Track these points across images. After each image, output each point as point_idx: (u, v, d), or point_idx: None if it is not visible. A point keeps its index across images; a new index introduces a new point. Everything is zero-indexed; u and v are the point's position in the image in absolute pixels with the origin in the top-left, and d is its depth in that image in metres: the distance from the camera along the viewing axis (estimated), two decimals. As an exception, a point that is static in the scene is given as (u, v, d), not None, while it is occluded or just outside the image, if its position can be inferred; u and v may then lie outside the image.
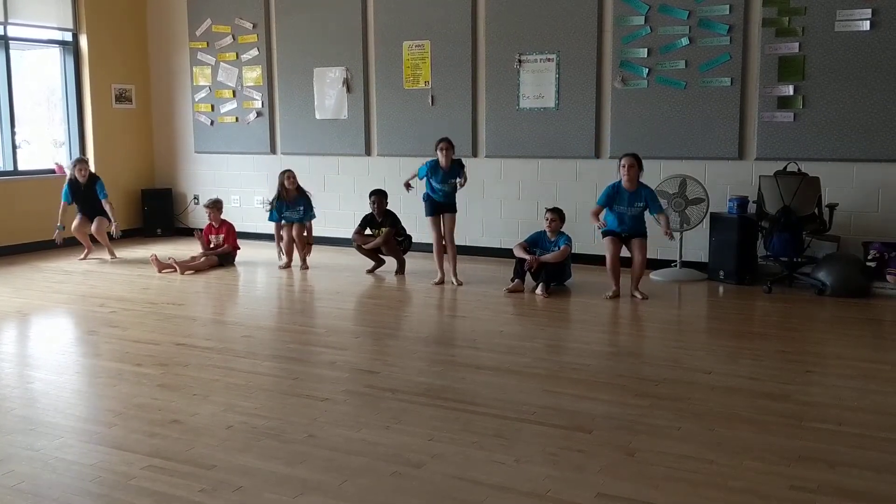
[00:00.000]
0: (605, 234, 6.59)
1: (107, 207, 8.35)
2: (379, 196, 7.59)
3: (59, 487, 3.15)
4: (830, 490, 3.07)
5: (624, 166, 6.46)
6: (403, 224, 7.73)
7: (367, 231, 7.65)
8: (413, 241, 7.85)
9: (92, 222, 8.37)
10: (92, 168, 8.71)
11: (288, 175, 7.89)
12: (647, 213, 6.58)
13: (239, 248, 8.18)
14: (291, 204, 7.89)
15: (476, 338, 5.40)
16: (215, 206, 8.12)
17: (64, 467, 3.33)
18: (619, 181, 6.51)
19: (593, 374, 4.56)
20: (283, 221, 7.92)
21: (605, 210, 6.60)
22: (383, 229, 7.51)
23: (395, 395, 4.18)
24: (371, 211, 7.62)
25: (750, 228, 6.90)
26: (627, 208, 6.50)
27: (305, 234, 7.96)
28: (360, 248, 7.68)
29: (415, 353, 5.03)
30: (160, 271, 7.67)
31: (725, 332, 5.62)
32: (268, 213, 8.04)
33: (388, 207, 7.66)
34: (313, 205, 8.00)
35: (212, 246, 8.06)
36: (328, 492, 3.08)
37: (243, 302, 6.88)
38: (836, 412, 3.91)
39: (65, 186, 8.41)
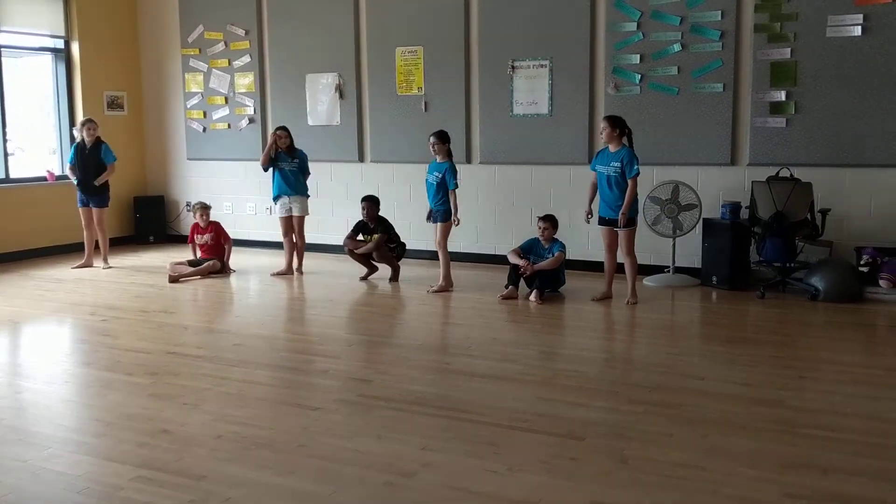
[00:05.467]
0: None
1: (107, 171, 8.20)
2: (370, 202, 7.57)
3: (47, 499, 3.12)
4: (824, 497, 3.06)
5: (601, 129, 6.49)
6: (397, 231, 7.71)
7: (360, 237, 7.63)
8: (407, 248, 7.83)
9: (88, 204, 8.25)
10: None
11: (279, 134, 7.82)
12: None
13: (230, 240, 8.13)
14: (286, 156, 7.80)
15: (470, 345, 5.38)
16: (203, 207, 8.10)
17: (52, 478, 3.30)
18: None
19: (587, 381, 4.54)
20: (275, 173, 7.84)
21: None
22: (375, 235, 7.49)
23: (388, 404, 4.15)
24: (362, 217, 7.61)
25: (743, 234, 6.90)
26: (606, 167, 6.43)
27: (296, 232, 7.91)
28: (351, 254, 7.66)
29: (408, 360, 5.00)
30: (176, 281, 7.61)
31: (718, 337, 5.62)
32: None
33: (380, 214, 7.63)
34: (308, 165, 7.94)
35: (199, 245, 8.04)
36: (319, 502, 3.06)
37: (235, 310, 6.85)
38: (829, 418, 3.90)
39: (72, 149, 8.35)
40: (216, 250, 8.02)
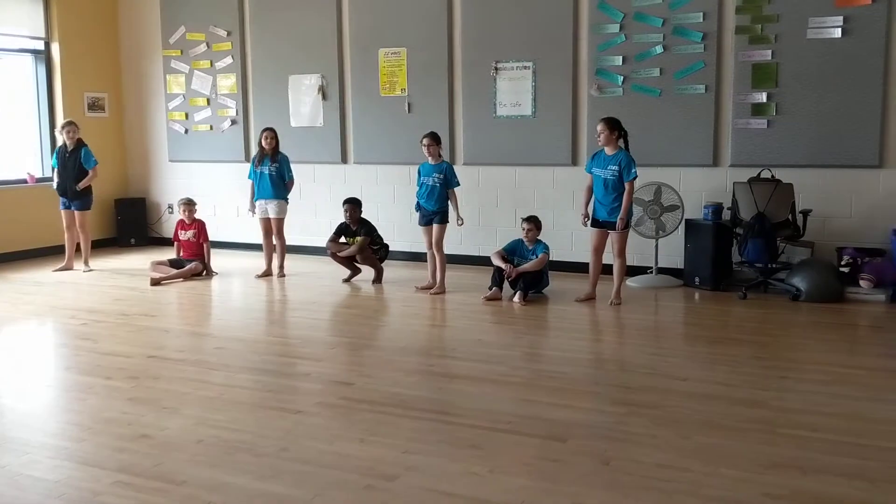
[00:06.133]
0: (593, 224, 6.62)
1: (89, 175, 8.16)
2: (352, 204, 7.54)
3: (24, 505, 3.09)
4: (804, 497, 3.07)
5: (597, 132, 6.48)
6: (380, 232, 7.69)
7: (342, 239, 7.60)
8: (390, 249, 7.82)
9: (70, 207, 8.21)
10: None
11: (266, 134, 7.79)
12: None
13: (208, 240, 8.06)
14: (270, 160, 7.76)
15: (453, 347, 5.38)
16: (189, 203, 8.05)
17: (30, 484, 3.27)
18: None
19: (570, 382, 4.54)
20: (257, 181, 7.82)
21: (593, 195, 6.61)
22: (358, 238, 7.46)
23: (371, 407, 4.14)
24: (345, 220, 7.57)
25: (725, 235, 6.94)
26: (603, 170, 6.46)
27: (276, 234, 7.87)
28: (334, 257, 7.63)
29: (391, 363, 4.98)
30: (158, 284, 7.55)
31: (701, 338, 5.63)
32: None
33: (363, 216, 7.61)
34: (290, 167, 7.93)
35: (182, 242, 8.00)
36: (300, 506, 3.04)
37: (217, 313, 6.81)
38: (810, 418, 3.92)
39: (54, 152, 8.32)
40: (198, 250, 7.98)
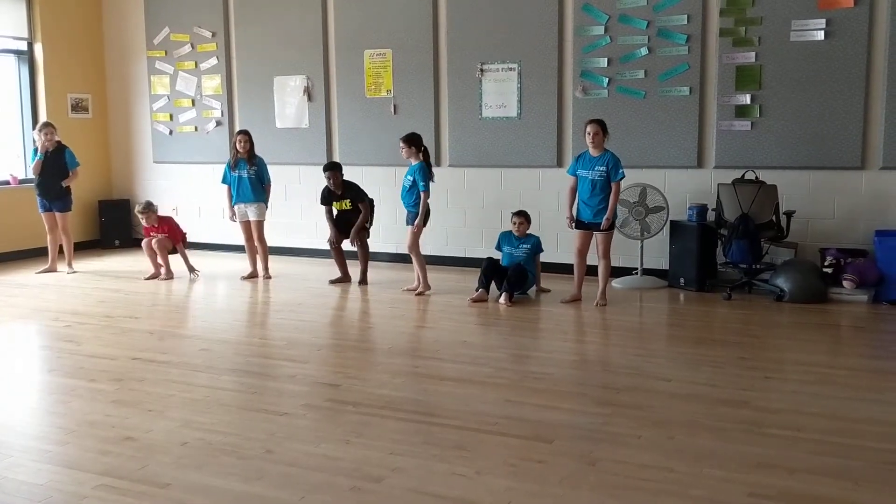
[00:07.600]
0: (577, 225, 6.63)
1: (70, 176, 8.12)
2: (333, 171, 7.48)
3: (7, 509, 3.06)
4: (789, 497, 3.09)
5: (589, 133, 6.44)
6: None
7: (334, 209, 7.57)
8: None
9: (52, 209, 8.13)
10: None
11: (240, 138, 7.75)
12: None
13: (185, 233, 8.06)
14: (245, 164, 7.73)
15: (439, 348, 5.38)
16: (148, 209, 7.93)
17: (13, 487, 3.24)
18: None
19: (555, 383, 4.55)
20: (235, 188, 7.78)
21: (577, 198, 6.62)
22: (347, 202, 7.46)
23: (356, 409, 4.13)
24: (327, 185, 7.54)
25: (709, 236, 6.97)
26: (590, 171, 6.47)
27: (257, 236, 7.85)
28: (336, 251, 7.57)
29: (377, 364, 4.98)
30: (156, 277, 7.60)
31: (686, 339, 5.66)
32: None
33: (346, 179, 7.58)
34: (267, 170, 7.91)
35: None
36: (286, 508, 3.03)
37: (202, 314, 6.77)
38: (794, 418, 3.94)
39: (32, 152, 8.24)
40: (173, 249, 7.95)
